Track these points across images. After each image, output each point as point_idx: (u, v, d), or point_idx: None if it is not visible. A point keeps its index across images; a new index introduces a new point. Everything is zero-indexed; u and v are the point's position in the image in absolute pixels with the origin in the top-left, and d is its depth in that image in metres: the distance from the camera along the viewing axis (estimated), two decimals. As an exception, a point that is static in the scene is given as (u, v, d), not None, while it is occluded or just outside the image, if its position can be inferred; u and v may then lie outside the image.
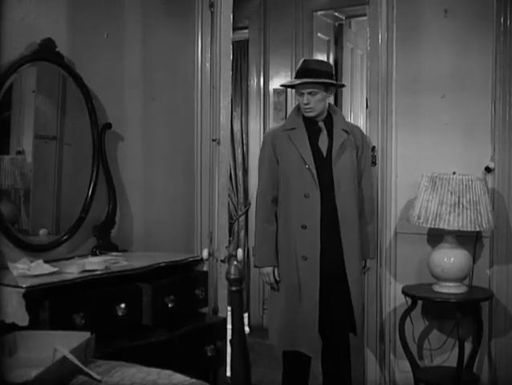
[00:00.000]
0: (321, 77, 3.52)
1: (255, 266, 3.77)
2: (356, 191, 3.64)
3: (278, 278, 3.60)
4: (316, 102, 3.54)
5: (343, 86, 3.97)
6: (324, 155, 3.57)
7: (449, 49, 3.92)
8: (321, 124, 3.61)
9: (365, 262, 3.76)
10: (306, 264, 3.51)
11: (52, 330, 2.54)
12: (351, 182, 3.59)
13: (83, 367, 2.19)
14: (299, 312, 3.53)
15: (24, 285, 2.66)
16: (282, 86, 3.99)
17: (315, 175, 3.51)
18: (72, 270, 2.92)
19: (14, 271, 2.85)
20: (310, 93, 3.53)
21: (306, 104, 3.54)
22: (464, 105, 3.89)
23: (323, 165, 3.55)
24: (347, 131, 3.62)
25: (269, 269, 3.60)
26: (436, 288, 3.74)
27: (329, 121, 3.63)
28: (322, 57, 5.88)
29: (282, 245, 3.59)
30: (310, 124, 3.60)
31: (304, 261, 3.51)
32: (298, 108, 3.66)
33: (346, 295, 3.57)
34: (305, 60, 3.70)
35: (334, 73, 3.67)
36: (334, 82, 3.62)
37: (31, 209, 3.33)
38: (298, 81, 3.56)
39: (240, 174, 6.25)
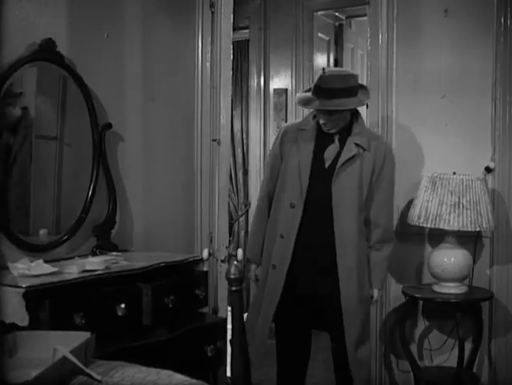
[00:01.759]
0: (342, 96, 3.12)
1: (246, 261, 3.68)
2: (361, 216, 3.28)
3: (258, 277, 3.51)
4: (335, 121, 3.22)
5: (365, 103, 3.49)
6: (326, 166, 3.28)
7: (449, 49, 3.92)
8: (335, 135, 3.30)
9: (373, 293, 3.38)
10: (273, 273, 3.34)
11: (52, 330, 2.54)
12: (354, 200, 3.24)
13: (83, 367, 2.19)
14: (256, 324, 3.42)
15: (24, 285, 2.66)
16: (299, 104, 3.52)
17: (305, 186, 3.24)
18: (72, 270, 2.92)
19: (14, 271, 2.85)
20: (328, 113, 3.19)
21: (324, 124, 3.24)
22: (464, 105, 3.89)
23: (322, 178, 3.25)
24: (361, 146, 3.25)
25: (252, 266, 3.56)
26: (437, 288, 3.74)
27: (347, 131, 3.29)
28: (322, 57, 5.89)
29: (265, 249, 3.46)
30: (324, 131, 3.30)
31: (272, 270, 3.34)
32: None
33: (338, 328, 3.28)
34: (321, 77, 3.23)
35: (358, 84, 3.28)
36: (350, 107, 3.20)
37: (31, 209, 3.33)
38: (310, 105, 3.24)
39: (240, 174, 6.26)
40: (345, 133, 3.28)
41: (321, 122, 3.23)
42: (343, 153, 3.24)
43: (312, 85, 3.29)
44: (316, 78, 3.28)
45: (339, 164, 3.23)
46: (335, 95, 3.12)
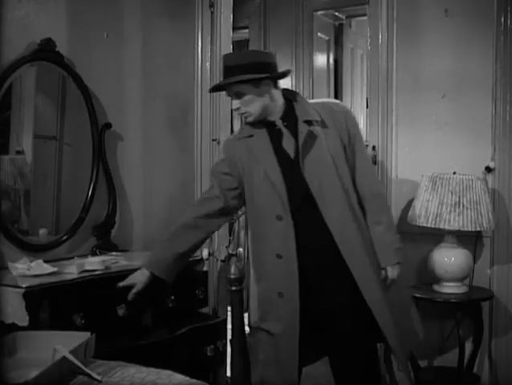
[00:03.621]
0: (240, 73, 2.74)
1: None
2: (351, 190, 2.87)
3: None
4: (247, 104, 2.79)
5: (282, 75, 2.96)
6: (292, 157, 2.84)
7: (449, 48, 3.92)
8: (279, 123, 2.86)
9: (386, 272, 2.93)
10: (282, 303, 2.80)
11: (52, 330, 2.54)
12: (336, 183, 2.82)
13: (83, 367, 2.19)
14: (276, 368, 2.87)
15: (24, 285, 2.66)
16: (210, 92, 3.24)
17: (282, 191, 2.79)
18: (72, 270, 2.92)
19: (14, 271, 2.84)
20: (236, 95, 2.80)
21: (236, 110, 2.84)
22: (464, 104, 3.88)
23: (294, 173, 2.82)
24: (315, 120, 2.85)
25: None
26: (437, 288, 3.74)
27: (291, 115, 2.87)
28: (322, 57, 5.89)
29: (260, 276, 2.95)
30: (270, 126, 2.87)
31: (280, 299, 2.80)
32: None
33: (357, 342, 2.85)
34: (223, 56, 2.94)
35: (269, 61, 2.87)
36: (236, 79, 2.75)
37: (31, 209, 3.33)
38: (215, 84, 2.94)
39: (240, 174, 6.24)
40: (292, 118, 2.86)
41: (234, 108, 2.85)
42: (299, 137, 2.82)
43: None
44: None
45: (300, 148, 2.81)
46: (232, 73, 2.77)
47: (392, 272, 2.94)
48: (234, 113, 2.92)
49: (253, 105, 2.80)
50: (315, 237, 2.83)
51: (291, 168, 2.83)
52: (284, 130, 2.85)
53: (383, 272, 2.93)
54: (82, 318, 2.75)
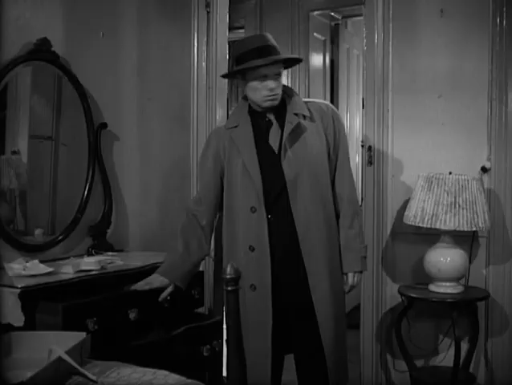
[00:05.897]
0: (278, 53, 2.81)
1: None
2: (326, 190, 2.88)
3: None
4: (280, 86, 2.81)
5: (299, 61, 3.11)
6: (275, 149, 2.83)
7: (445, 49, 3.92)
8: (269, 115, 2.87)
9: (347, 278, 2.95)
10: (254, 295, 2.82)
11: (47, 331, 2.53)
12: (313, 179, 2.82)
13: (79, 368, 2.18)
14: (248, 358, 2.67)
15: (19, 286, 2.66)
16: (225, 75, 3.17)
17: (258, 183, 2.80)
18: (68, 270, 2.92)
19: (10, 271, 2.84)
20: (276, 75, 2.78)
21: (272, 90, 2.77)
22: (460, 105, 3.89)
23: (276, 166, 2.82)
24: (303, 115, 2.85)
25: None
26: (433, 288, 3.74)
27: (282, 108, 2.86)
28: (318, 57, 5.89)
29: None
30: (258, 118, 2.88)
31: (253, 292, 2.82)
32: (245, 100, 2.93)
33: (316, 340, 2.83)
34: (261, 35, 2.95)
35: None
36: (296, 56, 3.04)
37: (27, 209, 3.33)
38: (260, 61, 2.72)
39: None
40: (282, 112, 2.87)
41: (271, 87, 2.75)
42: (286, 127, 2.82)
43: (233, 59, 2.83)
44: (237, 47, 2.84)
45: (284, 139, 2.80)
46: (275, 52, 2.78)
47: (353, 279, 2.95)
48: (265, 94, 2.76)
49: (280, 88, 2.83)
50: (286, 231, 2.82)
51: (272, 161, 2.82)
52: (274, 121, 2.86)
53: (344, 277, 2.95)
54: (95, 323, 2.74)
